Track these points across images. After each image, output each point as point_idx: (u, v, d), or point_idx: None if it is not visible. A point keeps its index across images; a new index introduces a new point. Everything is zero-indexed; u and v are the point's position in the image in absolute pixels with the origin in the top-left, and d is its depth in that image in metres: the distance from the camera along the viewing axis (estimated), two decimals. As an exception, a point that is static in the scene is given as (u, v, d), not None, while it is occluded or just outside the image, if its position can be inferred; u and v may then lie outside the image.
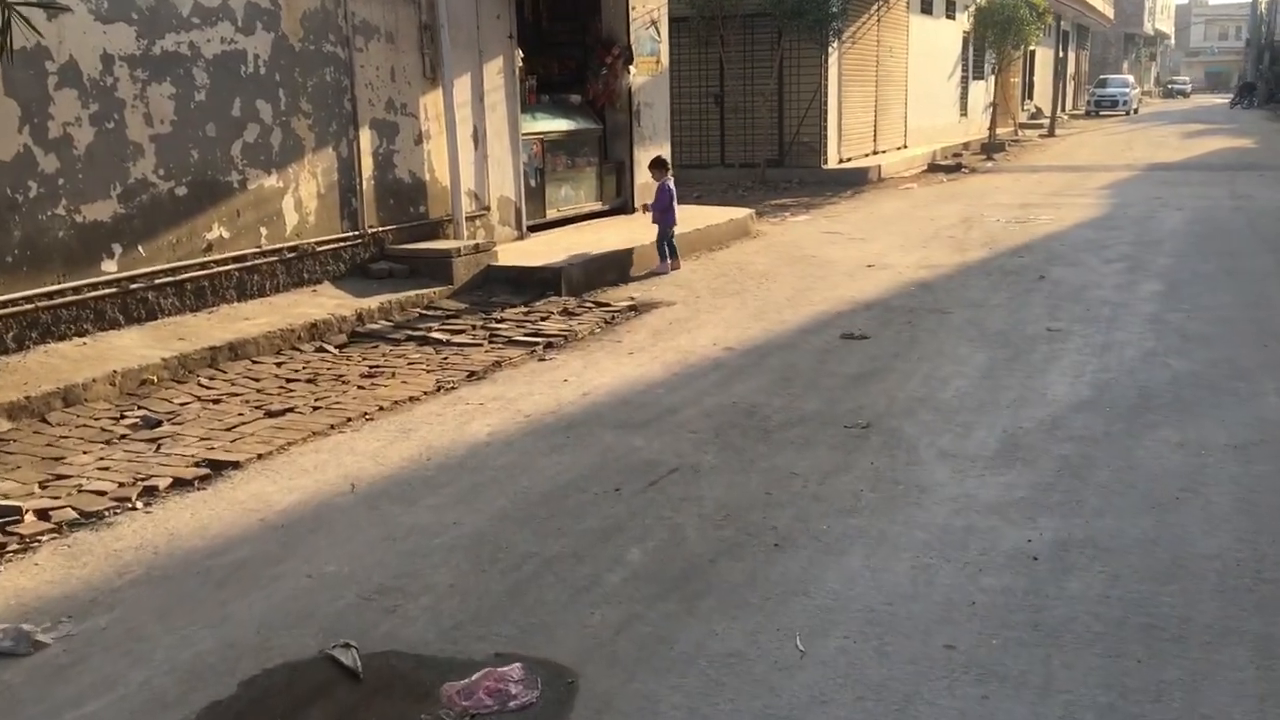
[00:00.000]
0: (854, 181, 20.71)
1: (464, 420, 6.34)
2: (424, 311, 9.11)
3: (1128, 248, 12.11)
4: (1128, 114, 53.30)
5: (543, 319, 9.03)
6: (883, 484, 5.13)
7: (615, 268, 10.85)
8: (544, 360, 7.80)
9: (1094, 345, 7.72)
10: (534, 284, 10.00)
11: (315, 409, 6.56)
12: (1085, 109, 55.21)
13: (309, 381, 7.20)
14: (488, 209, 11.27)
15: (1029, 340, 7.92)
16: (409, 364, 7.66)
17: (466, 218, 10.81)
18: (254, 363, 7.62)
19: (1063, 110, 47.66)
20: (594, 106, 13.59)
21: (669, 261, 11.44)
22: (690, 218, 13.38)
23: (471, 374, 7.39)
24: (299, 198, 9.04)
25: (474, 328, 8.71)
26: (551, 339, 8.34)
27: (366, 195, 9.69)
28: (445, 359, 7.79)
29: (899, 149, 25.74)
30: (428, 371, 7.45)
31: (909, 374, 7.07)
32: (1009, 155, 27.57)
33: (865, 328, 8.49)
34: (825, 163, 21.28)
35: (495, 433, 6.09)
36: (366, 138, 9.67)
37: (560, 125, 12.75)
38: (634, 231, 12.27)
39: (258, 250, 8.69)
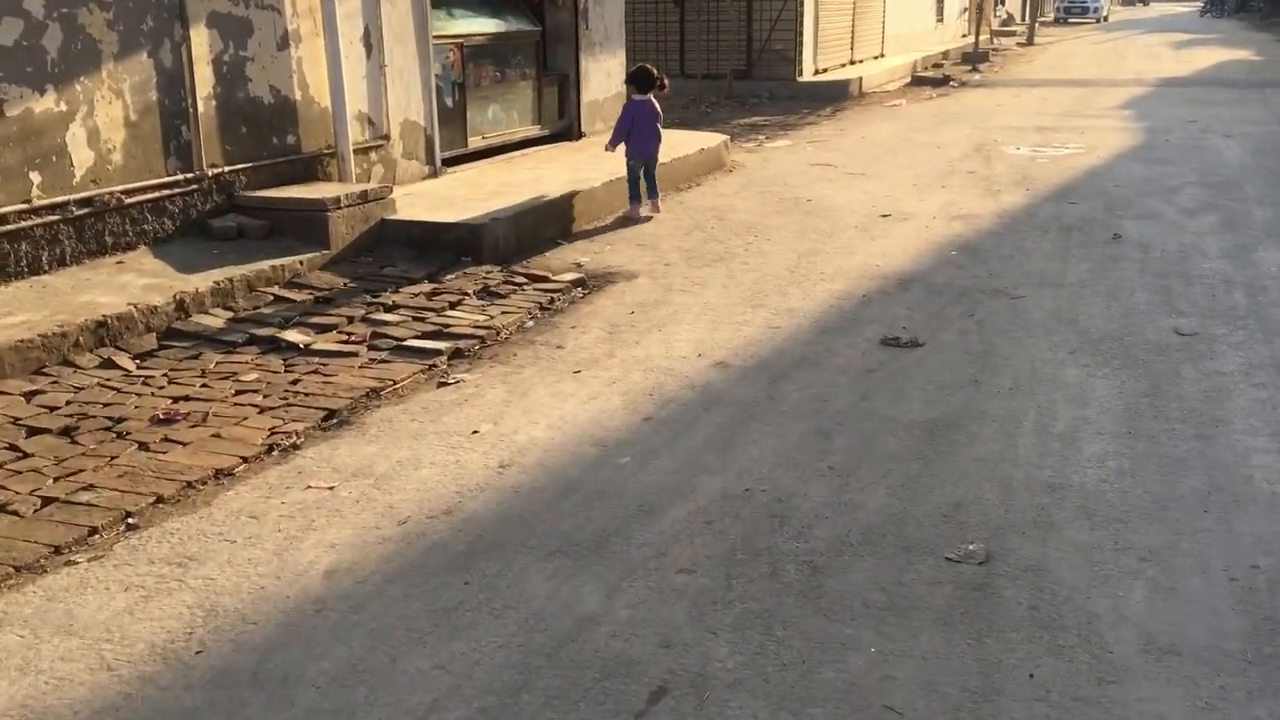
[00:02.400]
0: (833, 96, 17.99)
1: (293, 535, 3.73)
2: (282, 293, 6.40)
3: (1200, 190, 9.63)
4: (1098, 21, 50.91)
5: (453, 304, 6.37)
6: (1068, 736, 2.64)
7: (557, 219, 8.17)
8: (447, 385, 5.18)
9: (1262, 362, 5.25)
10: (445, 246, 7.31)
11: (43, 504, 3.91)
12: (1054, 16, 52.65)
13: (63, 434, 4.53)
14: (386, 138, 8.49)
15: (1158, 352, 5.43)
16: (237, 392, 5.01)
17: (356, 150, 8.05)
18: (-4, 391, 4.93)
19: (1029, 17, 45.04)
20: (529, 2, 10.73)
21: (640, 204, 8.90)
22: (651, 146, 10.68)
23: (329, 416, 4.76)
24: (94, 127, 6.24)
25: (351, 321, 6.04)
26: (462, 342, 5.71)
27: (204, 122, 6.89)
28: (296, 382, 5.14)
29: (876, 58, 22.97)
30: (261, 409, 4.80)
31: (1009, 425, 4.56)
32: (994, 66, 24.91)
33: (910, 323, 5.96)
34: (800, 74, 18.50)
35: (339, 570, 3.50)
36: (202, 39, 6.84)
37: (485, 26, 9.92)
38: (582, 165, 9.56)
39: (26, 206, 5.91)
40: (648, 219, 8.74)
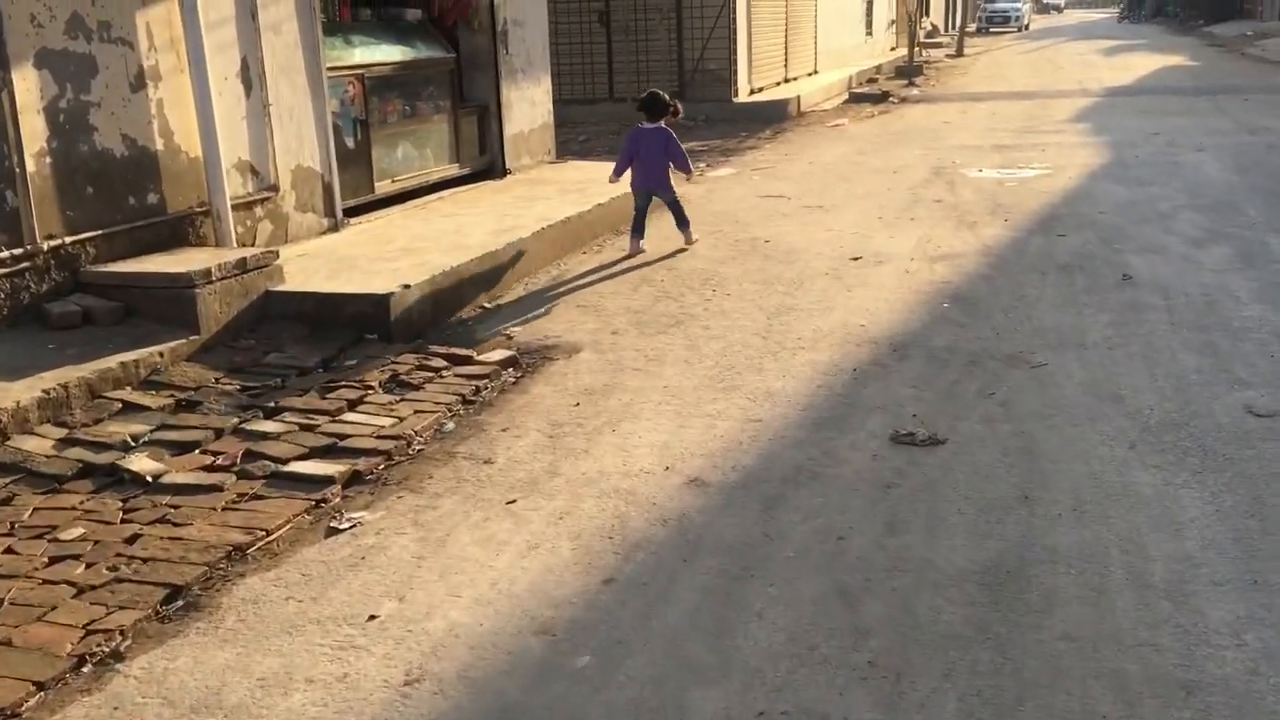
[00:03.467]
0: (772, 117, 16.96)
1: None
2: (134, 398, 5.07)
3: (1196, 215, 8.68)
4: (1020, 30, 50.98)
5: (353, 403, 5.11)
6: None
7: (482, 279, 6.93)
8: (339, 531, 3.92)
9: (1368, 454, 4.19)
10: (345, 323, 6.05)
11: None
12: (977, 26, 52.60)
13: None
14: (275, 189, 7.20)
15: (1238, 443, 4.34)
16: (51, 560, 3.71)
17: (236, 206, 6.76)
18: None
19: (954, 28, 44.78)
20: (441, 26, 9.52)
21: (639, 240, 8.15)
22: (583, 182, 9.50)
23: (172, 595, 3.48)
24: (-119, 199, 4.89)
25: (219, 435, 4.75)
26: (362, 460, 4.46)
27: (36, 184, 5.56)
28: (134, 539, 3.85)
29: (810, 75, 22.06)
30: (80, 588, 3.51)
31: (1091, 573, 3.43)
32: (930, 80, 24.14)
33: (921, 409, 4.82)
34: (736, 94, 17.46)
35: None
36: (30, 83, 5.52)
37: (390, 54, 8.68)
38: (509, 210, 8.34)
39: None
40: (679, 250, 8.18)
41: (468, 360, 5.73)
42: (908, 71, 24.85)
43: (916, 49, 28.61)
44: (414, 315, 6.17)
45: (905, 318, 6.28)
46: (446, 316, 6.47)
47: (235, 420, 4.88)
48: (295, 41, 7.37)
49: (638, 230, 8.13)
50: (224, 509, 4.08)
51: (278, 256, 6.28)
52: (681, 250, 8.16)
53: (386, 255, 6.97)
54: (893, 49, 31.83)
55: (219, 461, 4.48)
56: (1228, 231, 8.06)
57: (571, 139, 15.21)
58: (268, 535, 3.87)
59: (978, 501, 3.92)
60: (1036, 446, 4.39)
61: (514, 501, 4.09)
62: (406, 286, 6.16)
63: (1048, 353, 5.55)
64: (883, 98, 19.91)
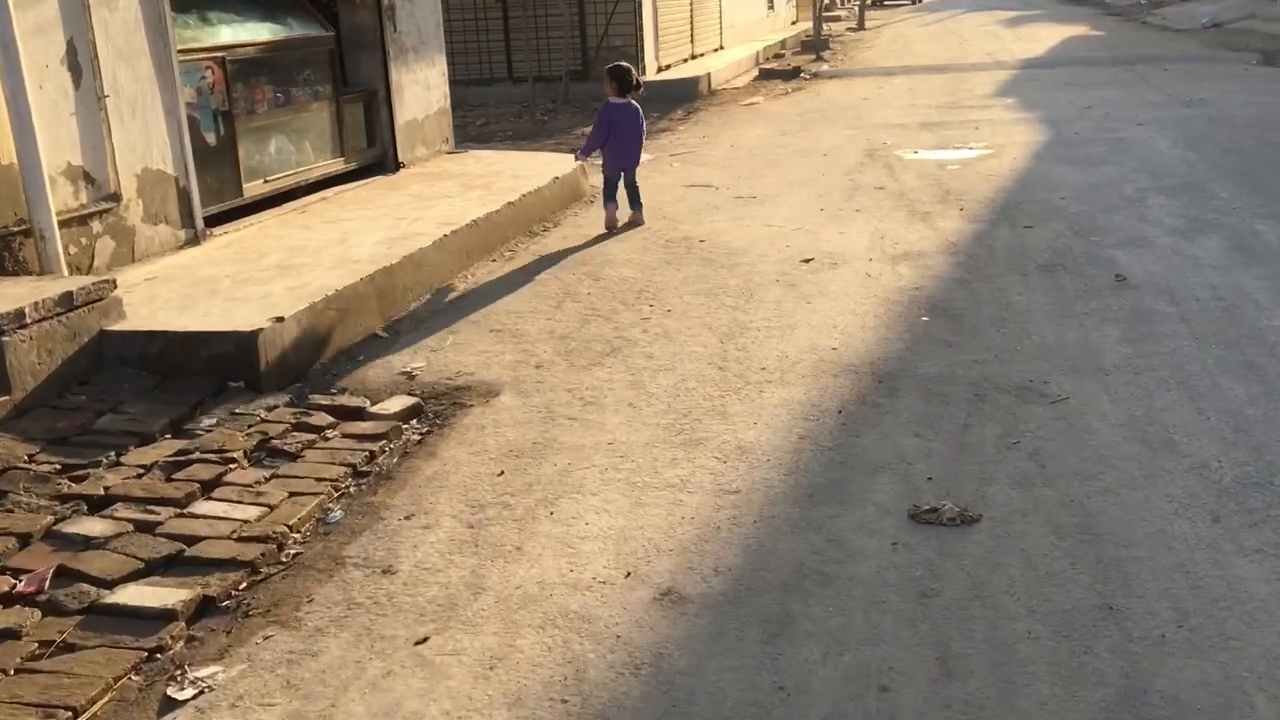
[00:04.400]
0: (683, 96, 15.91)
1: None
2: (-87, 491, 3.84)
3: (1167, 200, 7.90)
4: (914, 3, 50.78)
5: (207, 484, 3.94)
6: None
7: (374, 301, 5.77)
8: (176, 705, 2.79)
9: None
10: (202, 368, 4.85)
11: None
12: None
13: None
14: (116, 198, 5.93)
15: (1340, 505, 3.45)
16: None
17: (65, 223, 5.49)
18: None
19: (850, 1, 44.37)
20: (317, 2, 8.25)
21: (616, 207, 7.75)
22: (488, 175, 8.36)
23: None
24: None
25: (25, 543, 3.56)
26: (214, 577, 3.32)
27: None
28: (-121, 734, 2.67)
29: (716, 50, 21.08)
30: None
31: (1238, 731, 2.48)
32: (837, 54, 23.32)
33: (934, 468, 3.86)
34: (643, 73, 16.34)
35: None
36: None
37: (257, 33, 7.40)
38: (405, 211, 7.17)
39: None
40: (627, 227, 7.76)
41: (359, 414, 4.59)
42: (814, 46, 24.02)
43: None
44: (290, 355, 5.00)
45: (882, 336, 5.31)
46: (332, 352, 5.31)
47: (49, 519, 3.68)
48: (136, 19, 6.09)
49: (612, 196, 7.73)
50: (18, 670, 2.91)
51: (114, 286, 5.04)
52: (603, 238, 7.28)
53: (257, 275, 5.77)
54: (793, 23, 31.05)
55: (19, 588, 3.29)
56: (1208, 219, 7.28)
57: (469, 122, 13.99)
58: (74, 715, 2.72)
59: (1049, 618, 2.95)
60: (1095, 523, 3.44)
61: (425, 641, 3.00)
62: (279, 319, 4.98)
63: (1062, 380, 4.63)
64: (794, 73, 19.01)
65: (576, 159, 8.39)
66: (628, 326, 5.64)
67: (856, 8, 35.30)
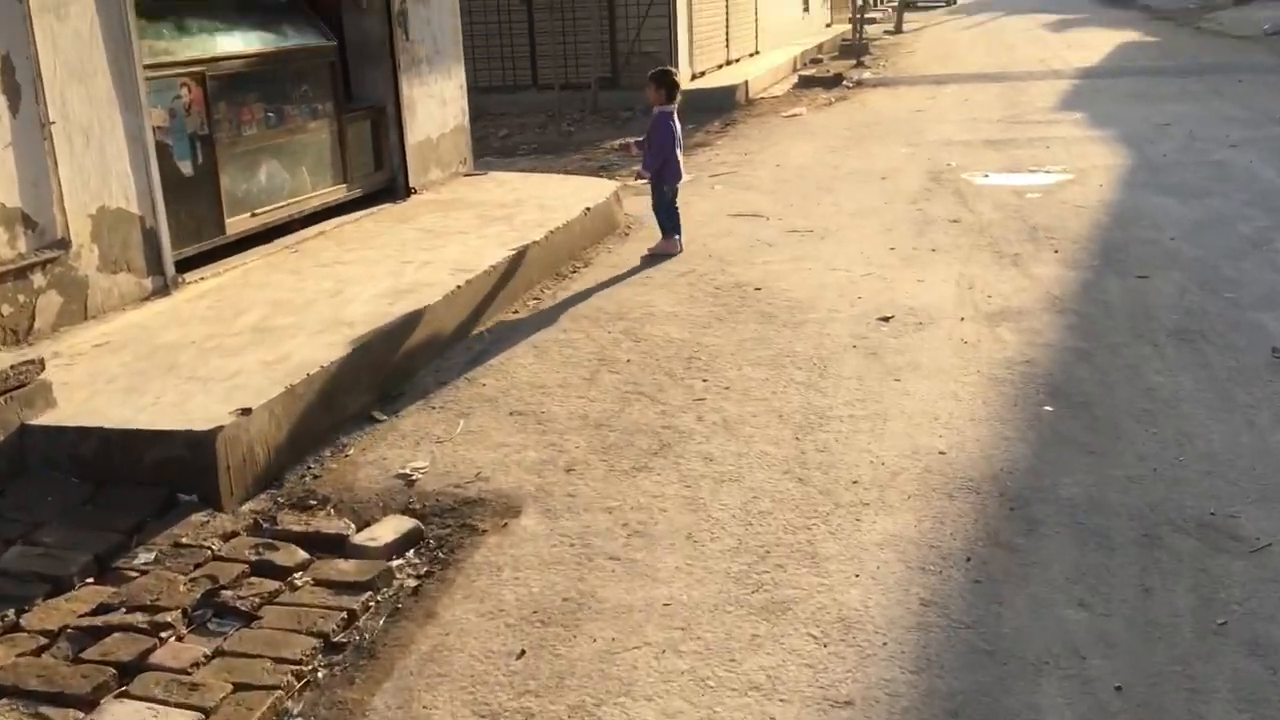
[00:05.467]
0: (719, 105, 14.83)
1: None
2: None
3: (1299, 245, 6.80)
4: (948, 4, 49.59)
5: (126, 670, 2.92)
6: None
7: (368, 373, 4.74)
8: None
9: None
10: (146, 476, 3.83)
11: None
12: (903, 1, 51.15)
13: None
14: (64, 245, 4.93)
15: None
16: None
17: (4, 275, 4.51)
18: None
19: (883, 2, 43.25)
20: (318, 6, 7.24)
21: (676, 239, 7.15)
22: (511, 205, 7.32)
23: None
24: None
25: None
26: None
27: None
28: None
29: (751, 55, 20.00)
30: None
31: None
32: (879, 60, 22.22)
33: (1116, 669, 2.80)
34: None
35: None
36: None
37: (244, 43, 6.39)
38: (414, 251, 6.13)
39: None
40: (661, 258, 7.01)
41: (339, 545, 3.57)
42: (854, 50, 22.95)
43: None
44: (258, 455, 3.97)
45: (998, 434, 4.25)
46: (313, 445, 4.28)
47: (-101, 732, 2.67)
48: (92, 31, 5.08)
49: (678, 227, 7.18)
50: None
51: (42, 368, 4.02)
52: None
53: (228, 342, 4.75)
54: (828, 25, 29.91)
55: None
56: (1361, 272, 6.18)
57: (490, 134, 12.99)
58: None
59: None
60: (1383, 784, 2.38)
61: None
62: (246, 411, 3.96)
63: (1254, 514, 3.56)
64: (835, 81, 17.90)
65: (638, 176, 7.54)
66: (678, 411, 4.60)
67: (892, 9, 34.18)
